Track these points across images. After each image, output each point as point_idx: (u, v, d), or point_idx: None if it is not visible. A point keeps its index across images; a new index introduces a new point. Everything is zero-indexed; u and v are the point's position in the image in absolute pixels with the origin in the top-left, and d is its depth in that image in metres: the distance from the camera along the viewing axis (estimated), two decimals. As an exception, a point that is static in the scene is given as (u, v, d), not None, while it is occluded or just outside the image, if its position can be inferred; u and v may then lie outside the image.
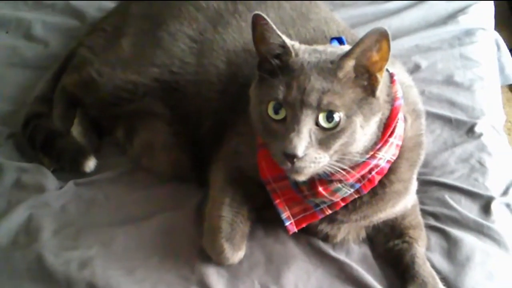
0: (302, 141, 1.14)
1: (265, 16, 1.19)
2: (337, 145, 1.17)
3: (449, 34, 2.03)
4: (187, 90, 1.57)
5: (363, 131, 1.19)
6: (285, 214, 1.34)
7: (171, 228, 1.47)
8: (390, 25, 2.05)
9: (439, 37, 2.02)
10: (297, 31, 1.28)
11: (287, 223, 1.34)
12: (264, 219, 1.44)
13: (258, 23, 1.21)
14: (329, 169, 1.20)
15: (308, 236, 1.44)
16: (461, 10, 2.10)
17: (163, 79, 1.58)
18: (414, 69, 1.90)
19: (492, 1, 2.23)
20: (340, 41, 1.41)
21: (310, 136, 1.16)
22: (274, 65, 1.21)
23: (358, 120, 1.18)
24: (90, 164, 1.62)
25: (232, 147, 1.47)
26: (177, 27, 1.61)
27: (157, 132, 1.61)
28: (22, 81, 1.92)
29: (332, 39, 1.42)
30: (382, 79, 1.20)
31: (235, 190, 1.42)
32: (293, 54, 1.21)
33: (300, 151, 1.14)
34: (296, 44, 1.25)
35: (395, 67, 1.39)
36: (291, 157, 1.14)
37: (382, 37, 1.14)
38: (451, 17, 2.08)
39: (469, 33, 2.02)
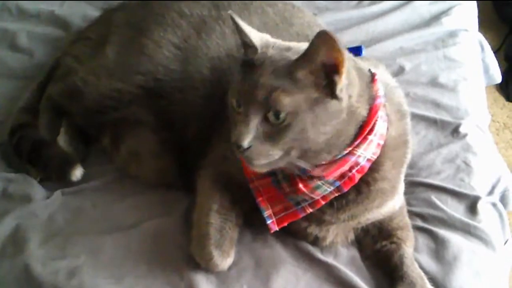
0: (247, 134, 1.16)
1: (235, 16, 1.23)
2: (285, 140, 1.17)
3: (433, 36, 2.04)
4: (172, 97, 1.56)
5: (318, 130, 1.18)
6: (267, 212, 1.34)
7: (159, 235, 1.47)
8: (374, 28, 2.07)
9: (423, 39, 2.03)
10: (281, 35, 1.29)
11: (268, 221, 1.34)
12: (252, 223, 1.44)
13: (233, 23, 1.25)
14: (292, 165, 1.22)
15: (297, 239, 1.44)
16: (444, 12, 2.11)
17: (148, 87, 1.58)
18: (399, 71, 1.91)
19: (475, 2, 2.25)
20: None
21: (257, 129, 1.17)
22: (244, 60, 1.24)
23: (307, 118, 1.16)
24: (77, 173, 1.61)
25: (220, 152, 1.47)
26: (161, 34, 1.61)
27: (143, 139, 1.61)
28: (8, 91, 1.91)
29: None
30: (345, 80, 1.18)
31: (222, 196, 1.41)
32: (258, 50, 1.23)
33: (244, 142, 1.16)
34: (271, 41, 1.26)
35: (378, 70, 1.39)
36: (237, 147, 1.17)
37: (326, 39, 1.12)
38: (435, 19, 2.09)
39: (452, 34, 2.03)
